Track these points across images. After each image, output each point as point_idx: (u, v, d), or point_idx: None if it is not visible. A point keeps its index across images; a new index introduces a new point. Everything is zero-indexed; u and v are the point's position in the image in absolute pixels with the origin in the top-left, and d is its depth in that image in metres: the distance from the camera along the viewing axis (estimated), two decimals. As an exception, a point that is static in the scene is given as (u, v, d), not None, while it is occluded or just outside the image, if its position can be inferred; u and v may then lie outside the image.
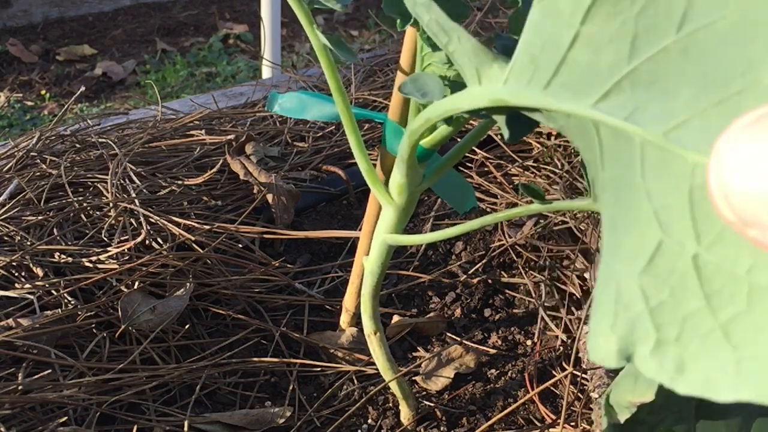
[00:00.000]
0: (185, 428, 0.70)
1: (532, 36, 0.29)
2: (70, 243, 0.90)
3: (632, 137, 0.24)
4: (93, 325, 0.80)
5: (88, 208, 0.97)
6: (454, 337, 0.86)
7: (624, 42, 0.25)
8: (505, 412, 0.74)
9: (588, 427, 0.71)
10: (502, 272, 0.97)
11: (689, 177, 0.22)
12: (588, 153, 0.27)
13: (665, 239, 0.23)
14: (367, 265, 0.61)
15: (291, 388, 0.77)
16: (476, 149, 1.21)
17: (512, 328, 0.88)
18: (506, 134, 0.36)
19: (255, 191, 1.03)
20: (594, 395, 0.74)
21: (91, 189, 1.03)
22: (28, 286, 0.82)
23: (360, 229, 0.78)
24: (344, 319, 0.83)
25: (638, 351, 0.23)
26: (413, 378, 0.79)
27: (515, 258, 0.98)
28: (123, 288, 0.84)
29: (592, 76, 0.26)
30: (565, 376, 0.76)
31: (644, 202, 0.24)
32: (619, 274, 0.24)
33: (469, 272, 0.96)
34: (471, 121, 1.29)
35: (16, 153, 1.10)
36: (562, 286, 0.93)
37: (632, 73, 0.25)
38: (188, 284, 0.84)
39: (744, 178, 0.19)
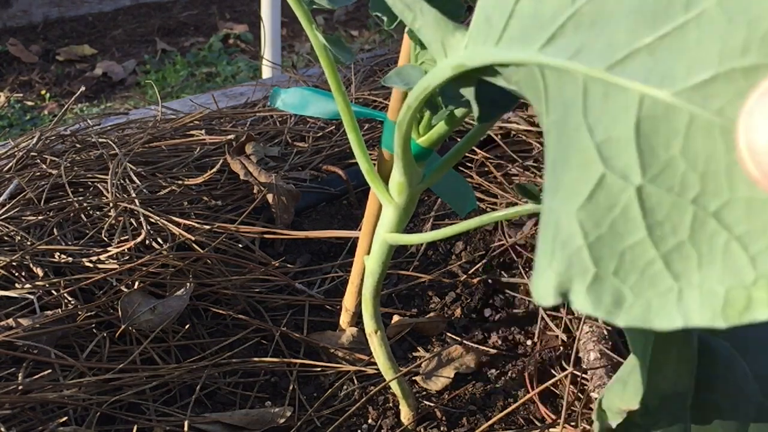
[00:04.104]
0: (185, 428, 0.70)
1: None
2: (70, 243, 0.90)
3: (575, 76, 0.24)
4: (93, 325, 0.80)
5: (88, 208, 0.97)
6: (454, 337, 0.86)
7: None
8: (505, 412, 0.74)
9: (588, 427, 0.71)
10: (502, 272, 0.97)
11: (636, 109, 0.22)
12: (537, 103, 0.28)
13: (607, 173, 0.23)
14: (368, 264, 0.61)
15: (291, 388, 0.77)
16: (476, 149, 1.21)
17: (512, 328, 0.88)
18: (476, 111, 0.36)
19: (255, 191, 1.03)
20: (594, 395, 0.74)
21: (91, 189, 1.03)
22: (28, 286, 0.82)
23: (360, 229, 0.78)
24: (344, 319, 0.83)
25: (575, 287, 0.23)
26: (413, 378, 0.79)
27: (515, 258, 0.98)
28: (123, 288, 0.84)
29: (537, 24, 0.26)
30: (565, 376, 0.76)
31: (586, 138, 0.24)
32: (558, 211, 0.24)
33: (469, 272, 0.96)
34: (470, 121, 1.29)
35: (16, 153, 1.10)
36: (562, 286, 0.93)
37: (575, 15, 0.25)
38: (188, 284, 0.84)
39: None
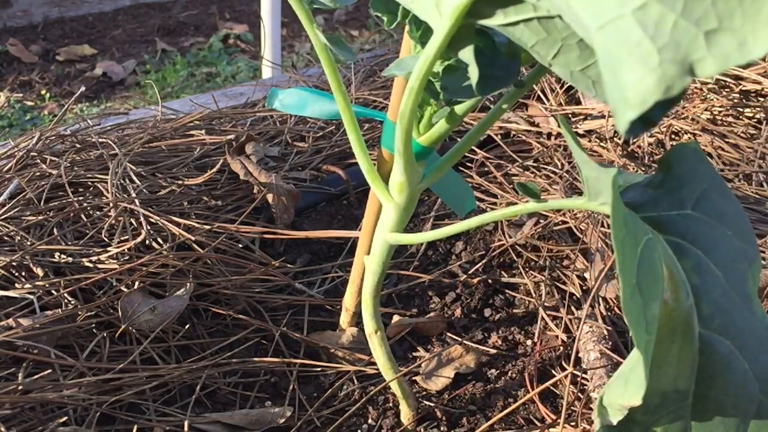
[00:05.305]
0: (185, 428, 0.70)
1: None
2: (70, 243, 0.90)
3: None
4: (93, 325, 0.80)
5: (88, 208, 0.97)
6: (454, 337, 0.86)
7: None
8: (505, 412, 0.74)
9: (588, 427, 0.71)
10: (502, 272, 0.97)
11: None
12: None
13: None
14: (368, 264, 0.61)
15: (291, 388, 0.77)
16: (476, 149, 1.21)
17: (512, 328, 0.88)
18: (475, 75, 0.37)
19: (255, 191, 1.03)
20: (594, 395, 0.74)
21: (91, 189, 1.03)
22: (28, 286, 0.82)
23: (360, 229, 0.78)
24: (344, 319, 0.83)
25: (695, 57, 0.23)
26: (413, 378, 0.79)
27: (515, 258, 0.98)
28: (123, 288, 0.84)
29: None
30: (565, 376, 0.76)
31: None
32: (628, 16, 0.24)
33: (469, 272, 0.96)
34: (470, 121, 1.28)
35: (16, 153, 1.10)
36: (562, 286, 0.93)
37: None
38: (188, 284, 0.84)
39: None
